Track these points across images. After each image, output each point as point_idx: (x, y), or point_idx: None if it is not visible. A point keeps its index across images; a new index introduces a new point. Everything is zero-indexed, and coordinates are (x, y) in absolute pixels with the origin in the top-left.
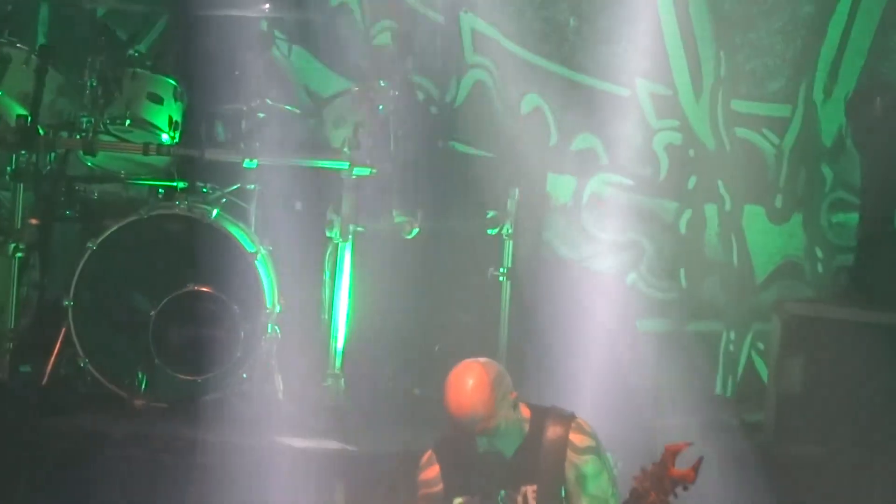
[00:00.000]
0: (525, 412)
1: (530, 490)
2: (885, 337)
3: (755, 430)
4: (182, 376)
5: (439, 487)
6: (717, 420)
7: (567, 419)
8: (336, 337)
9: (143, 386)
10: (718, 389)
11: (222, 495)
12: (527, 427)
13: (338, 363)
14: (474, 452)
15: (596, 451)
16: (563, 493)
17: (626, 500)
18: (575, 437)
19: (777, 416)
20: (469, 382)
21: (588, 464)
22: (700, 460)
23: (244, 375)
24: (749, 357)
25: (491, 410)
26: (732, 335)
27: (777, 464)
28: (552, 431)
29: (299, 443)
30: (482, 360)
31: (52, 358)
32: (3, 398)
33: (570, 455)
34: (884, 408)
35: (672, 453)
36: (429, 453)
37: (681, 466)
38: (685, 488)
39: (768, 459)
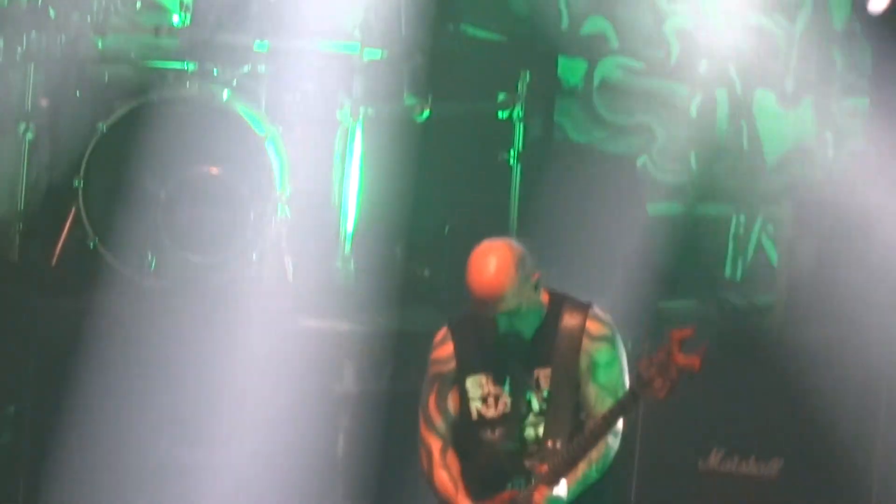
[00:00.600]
0: (544, 296)
1: (543, 373)
2: (893, 221)
3: (765, 312)
4: (192, 258)
5: (452, 366)
6: (727, 303)
7: (585, 307)
8: (346, 220)
9: (153, 267)
10: (728, 273)
11: (231, 374)
12: (545, 311)
13: (348, 246)
14: (490, 333)
15: (611, 340)
16: (579, 374)
17: (630, 386)
18: (591, 325)
19: (787, 299)
20: (493, 260)
21: (601, 352)
22: (705, 347)
23: (254, 257)
24: (759, 241)
25: (514, 289)
26: (742, 219)
27: (787, 347)
28: (569, 318)
29: (309, 324)
30: (506, 239)
31: (62, 239)
32: (12, 278)
33: (585, 342)
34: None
35: (677, 340)
36: (443, 331)
37: (686, 353)
38: (691, 375)
39: (778, 343)
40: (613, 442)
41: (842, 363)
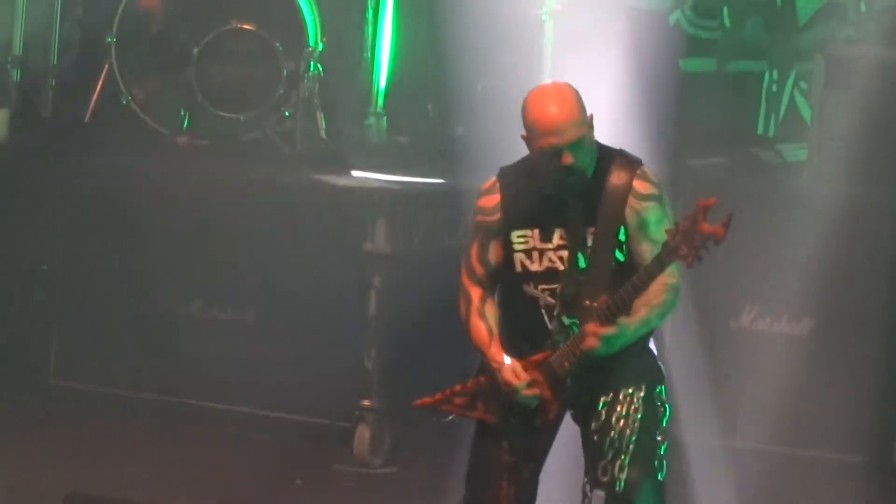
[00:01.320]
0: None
1: (589, 231)
2: None
3: (797, 169)
4: (224, 114)
5: (497, 217)
6: (759, 159)
7: (633, 165)
8: (378, 76)
9: (186, 124)
10: (760, 129)
11: (262, 232)
12: (597, 161)
13: (380, 102)
14: (538, 187)
15: (658, 198)
16: (621, 236)
17: (658, 254)
18: (638, 184)
19: (820, 154)
20: (559, 90)
21: (650, 210)
22: (730, 216)
23: (286, 113)
24: (792, 97)
25: (581, 116)
26: (775, 75)
27: (819, 203)
28: (616, 176)
29: (340, 181)
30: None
31: (95, 95)
32: (46, 134)
33: (632, 201)
34: None
35: (703, 208)
36: (493, 181)
37: (711, 221)
38: (716, 243)
39: (810, 200)
40: (673, 297)
41: (874, 220)
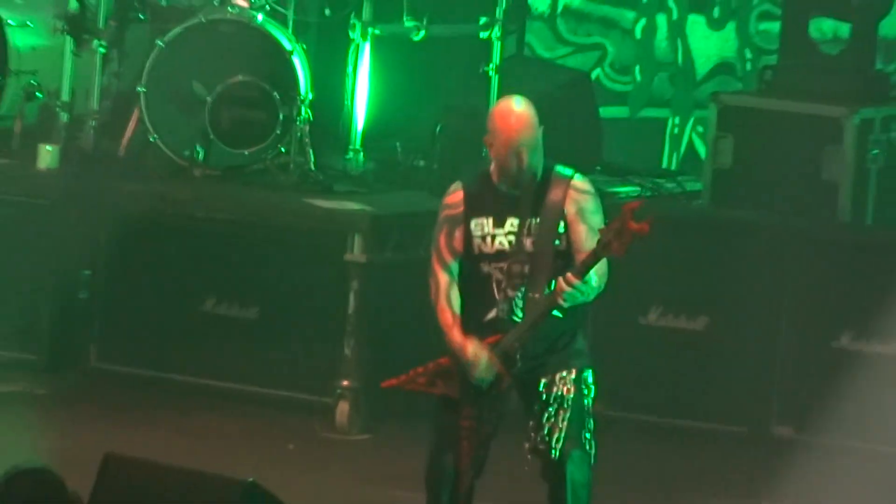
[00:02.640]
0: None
1: (535, 220)
2: (797, 122)
3: (693, 197)
4: (232, 150)
5: (460, 209)
6: (664, 189)
7: (571, 171)
8: (356, 119)
9: (201, 157)
10: (665, 164)
11: (263, 242)
12: (542, 167)
13: (358, 140)
14: (493, 188)
15: (593, 194)
16: (560, 228)
17: (594, 249)
18: (577, 183)
19: (713, 185)
20: (518, 102)
21: (588, 201)
22: (652, 217)
23: (282, 149)
24: (690, 138)
25: (535, 125)
26: (677, 120)
27: (712, 225)
28: (558, 178)
29: (325, 204)
30: None
31: (128, 134)
32: (88, 166)
33: (572, 193)
34: (800, 179)
35: (630, 210)
36: (457, 183)
37: (637, 220)
38: (640, 238)
39: (705, 221)
40: (607, 276)
41: (755, 237)
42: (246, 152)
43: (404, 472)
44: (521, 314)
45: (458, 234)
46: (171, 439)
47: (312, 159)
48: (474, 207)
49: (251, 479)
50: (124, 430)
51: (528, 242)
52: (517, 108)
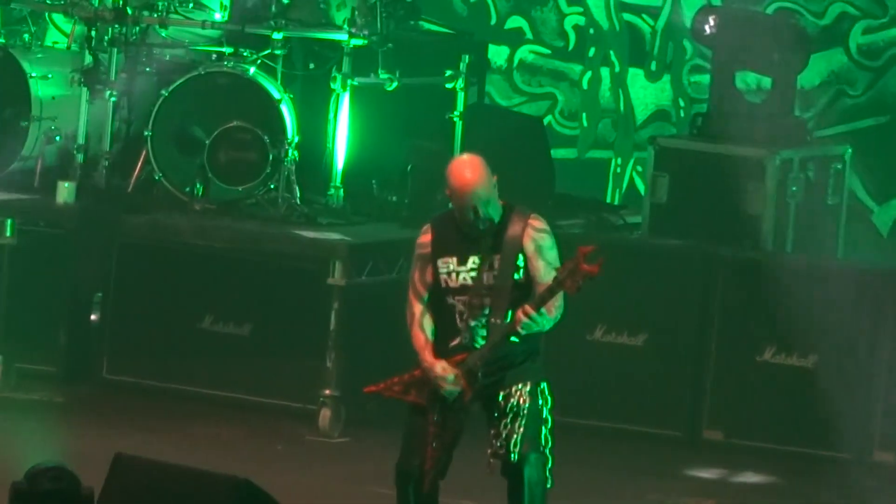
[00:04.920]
0: (500, 201)
1: (496, 258)
2: (725, 162)
3: (634, 228)
4: (228, 186)
5: (428, 249)
6: (608, 221)
7: (528, 212)
8: (336, 160)
9: (200, 193)
10: (608, 199)
11: (254, 271)
12: (501, 210)
13: (339, 178)
14: (458, 228)
15: (549, 232)
16: (520, 262)
17: (549, 286)
18: (533, 222)
19: (651, 218)
20: (471, 160)
21: (544, 239)
22: (602, 260)
23: (272, 186)
24: (631, 177)
25: (487, 179)
26: (619, 161)
27: (650, 252)
28: (517, 216)
29: (309, 234)
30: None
31: (136, 172)
32: (101, 200)
33: (530, 231)
34: (727, 213)
35: (583, 253)
36: (427, 225)
37: (589, 263)
38: (591, 278)
39: (644, 249)
40: (563, 309)
41: (688, 263)
42: (240, 188)
43: (379, 471)
44: (481, 340)
45: (428, 270)
46: (173, 441)
47: (298, 195)
48: (440, 248)
49: (245, 478)
50: (132, 434)
51: (488, 277)
52: (470, 167)
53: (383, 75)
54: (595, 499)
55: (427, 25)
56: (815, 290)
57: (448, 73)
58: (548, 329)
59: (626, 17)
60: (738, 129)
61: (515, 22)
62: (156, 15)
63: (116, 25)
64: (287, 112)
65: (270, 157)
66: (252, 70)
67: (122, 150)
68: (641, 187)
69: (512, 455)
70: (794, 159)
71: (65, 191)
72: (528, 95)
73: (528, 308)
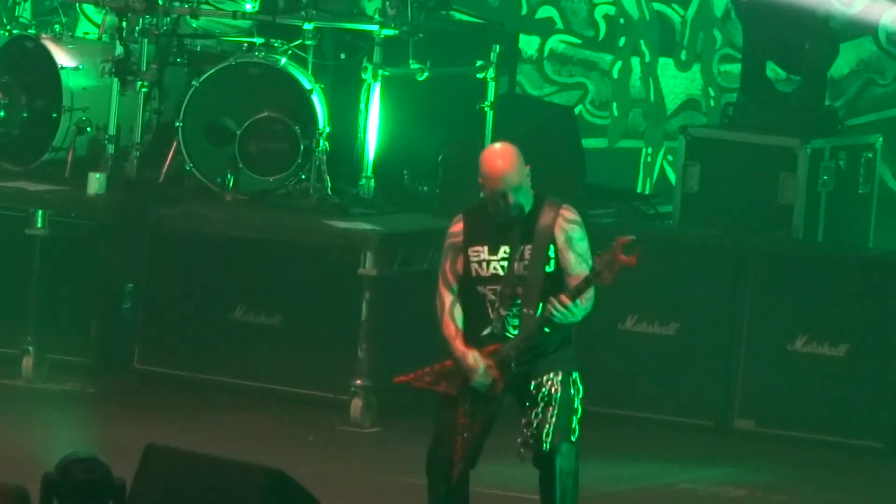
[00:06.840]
0: (532, 191)
1: (527, 248)
2: (756, 152)
3: (666, 218)
4: (259, 177)
5: (461, 238)
6: (639, 211)
7: (560, 202)
8: (368, 150)
9: (231, 184)
10: (639, 189)
11: (289, 259)
12: (533, 199)
13: (370, 168)
14: (490, 218)
15: (580, 224)
16: (551, 253)
17: (586, 276)
18: (565, 213)
19: (682, 208)
20: (503, 148)
21: (575, 230)
22: (639, 251)
23: (303, 176)
24: (662, 166)
25: (519, 167)
26: (650, 150)
27: (681, 242)
28: (548, 207)
29: (341, 224)
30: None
31: (167, 163)
32: (132, 191)
33: (560, 222)
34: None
35: (621, 244)
36: (459, 215)
37: (627, 254)
38: (629, 269)
39: (675, 239)
40: (595, 300)
41: (719, 253)
42: (271, 179)
43: (410, 461)
44: (512, 330)
45: (459, 259)
46: (205, 432)
47: (329, 185)
48: (472, 237)
49: (277, 468)
50: (164, 424)
51: (519, 267)
52: (502, 154)
53: (414, 65)
54: (626, 488)
55: (458, 15)
56: (846, 280)
57: (479, 63)
58: (580, 319)
59: (657, 6)
60: (769, 118)
61: (546, 12)
62: (187, 5)
63: (147, 16)
64: (318, 102)
65: (301, 148)
66: (283, 60)
67: (153, 141)
68: (672, 177)
69: (544, 445)
70: (825, 149)
71: (96, 182)
72: (559, 85)
73: (563, 298)
